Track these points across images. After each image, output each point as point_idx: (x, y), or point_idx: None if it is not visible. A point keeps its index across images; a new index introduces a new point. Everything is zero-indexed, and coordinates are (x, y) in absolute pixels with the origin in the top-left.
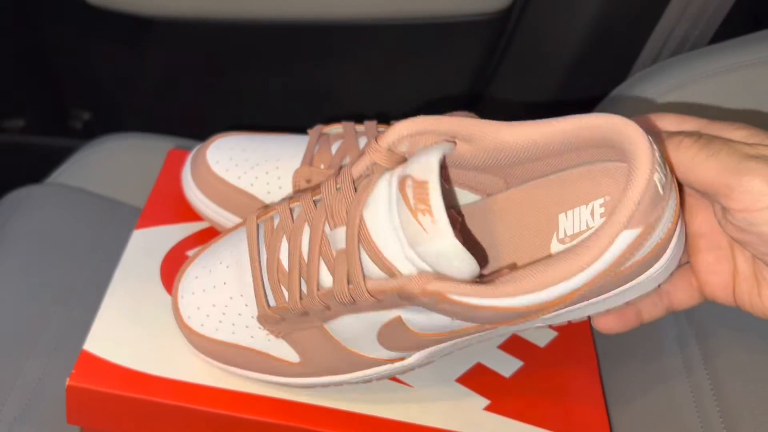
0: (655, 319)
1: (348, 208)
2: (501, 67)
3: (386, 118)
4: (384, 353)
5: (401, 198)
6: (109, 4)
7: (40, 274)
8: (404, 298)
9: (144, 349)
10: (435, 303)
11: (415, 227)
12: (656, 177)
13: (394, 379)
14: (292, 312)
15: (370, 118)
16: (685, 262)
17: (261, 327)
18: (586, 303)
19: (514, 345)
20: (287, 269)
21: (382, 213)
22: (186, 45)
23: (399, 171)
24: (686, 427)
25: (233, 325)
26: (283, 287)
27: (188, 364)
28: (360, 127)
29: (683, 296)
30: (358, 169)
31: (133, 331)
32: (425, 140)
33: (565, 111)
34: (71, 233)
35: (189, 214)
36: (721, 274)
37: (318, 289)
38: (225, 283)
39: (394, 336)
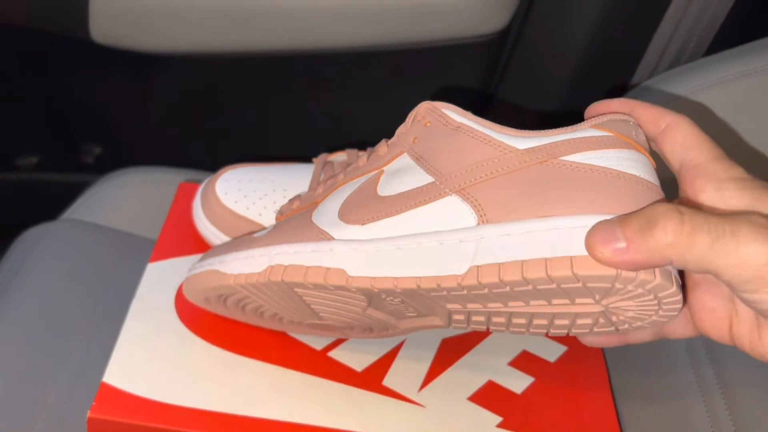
0: (642, 342)
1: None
2: (501, 87)
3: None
4: (329, 221)
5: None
6: (114, 41)
7: (59, 309)
8: (408, 122)
9: (162, 380)
10: (422, 125)
11: None
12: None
13: (406, 399)
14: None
15: (372, 144)
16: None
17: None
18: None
19: (525, 361)
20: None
21: None
22: (189, 78)
23: None
24: None
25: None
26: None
27: (206, 392)
28: (363, 153)
29: (676, 327)
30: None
31: (151, 362)
32: None
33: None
34: (88, 268)
35: (201, 245)
36: (718, 313)
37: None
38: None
39: (355, 201)
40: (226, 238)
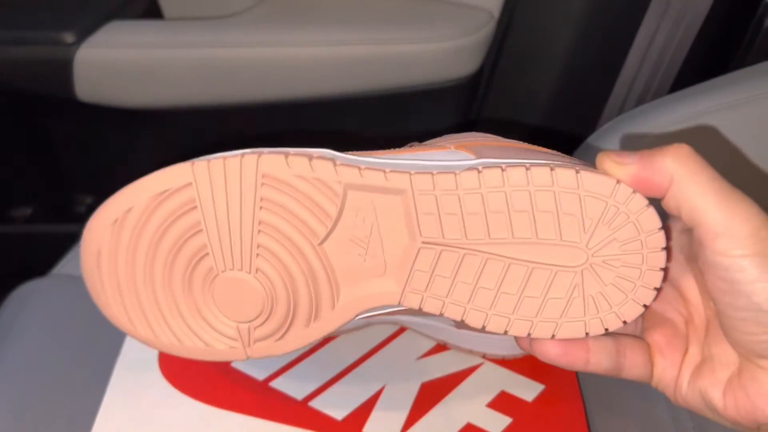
0: (599, 373)
1: None
2: (477, 126)
3: None
4: None
5: None
6: (99, 100)
7: (47, 367)
8: None
9: None
10: None
11: None
12: None
13: None
14: None
15: None
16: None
17: None
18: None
19: (503, 402)
20: None
21: None
22: (176, 128)
23: None
24: None
25: None
26: None
27: None
28: None
29: (637, 364)
30: None
31: (136, 422)
32: None
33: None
34: (77, 325)
35: None
36: (676, 352)
37: None
38: None
39: None
40: None
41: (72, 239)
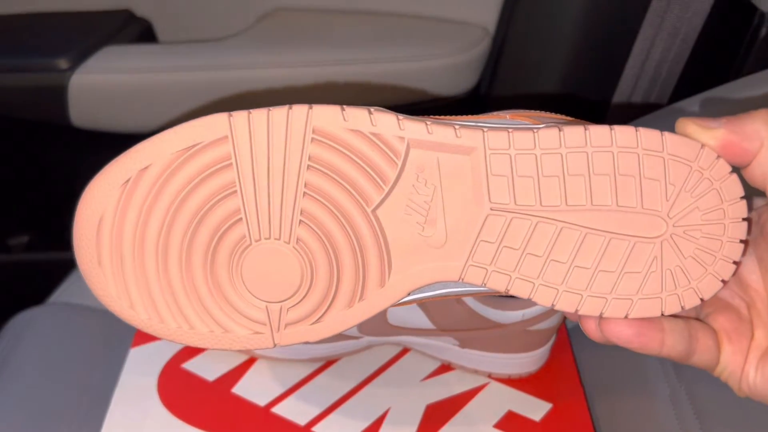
0: (672, 358)
1: None
2: None
3: None
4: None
5: None
6: (93, 125)
7: (46, 396)
8: None
9: None
10: None
11: None
12: None
13: None
14: None
15: None
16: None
17: None
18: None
19: (510, 422)
20: None
21: None
22: None
23: None
24: None
25: None
26: None
27: None
28: None
29: (708, 348)
30: None
31: None
32: None
33: None
34: (75, 353)
35: None
36: (743, 338)
37: None
38: None
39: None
40: None
41: (69, 266)
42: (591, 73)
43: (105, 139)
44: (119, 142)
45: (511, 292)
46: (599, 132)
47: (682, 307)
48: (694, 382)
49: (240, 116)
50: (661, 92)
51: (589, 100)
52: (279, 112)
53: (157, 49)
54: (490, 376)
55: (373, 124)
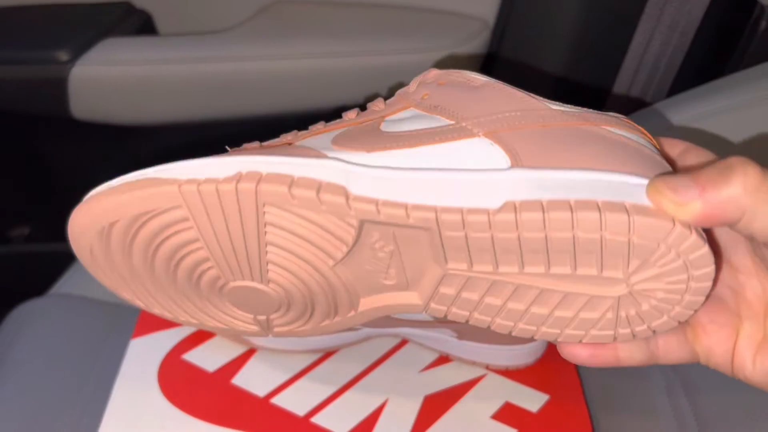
0: (635, 365)
1: None
2: None
3: None
4: (323, 147)
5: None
6: (94, 117)
7: (47, 387)
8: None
9: None
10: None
11: None
12: None
13: None
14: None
15: None
16: None
17: None
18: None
19: (508, 413)
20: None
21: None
22: (171, 143)
23: None
24: None
25: None
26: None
27: None
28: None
29: (671, 348)
30: None
31: None
32: None
33: None
34: (76, 344)
35: None
36: (725, 329)
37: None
38: None
39: (356, 133)
40: None
41: (70, 258)
42: (590, 65)
43: (106, 132)
44: (120, 134)
45: (471, 323)
46: (560, 216)
47: (634, 337)
48: (692, 377)
49: (190, 190)
50: (660, 85)
51: (588, 92)
52: (227, 188)
53: (157, 41)
54: (487, 367)
55: (321, 204)
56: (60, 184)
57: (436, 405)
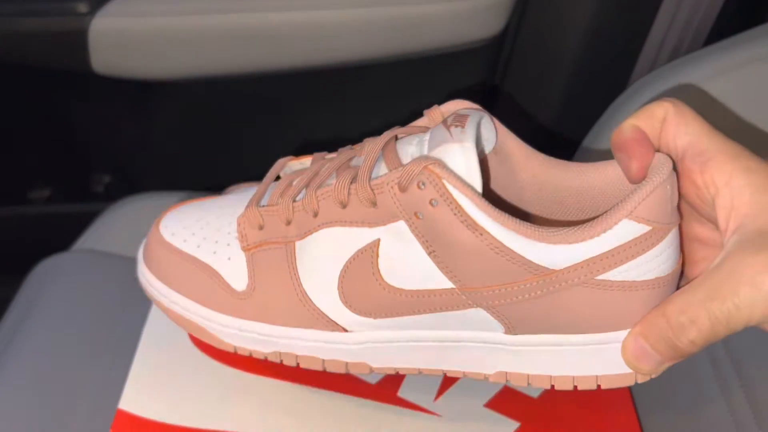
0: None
1: (382, 139)
2: (502, 89)
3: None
4: (332, 307)
5: (440, 125)
6: (115, 72)
7: (74, 340)
8: (402, 188)
9: (177, 403)
10: (426, 202)
11: (443, 135)
12: (669, 189)
13: (422, 409)
14: (278, 215)
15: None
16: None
17: (229, 244)
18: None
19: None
20: (293, 185)
21: (414, 140)
22: (191, 101)
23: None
24: None
25: (204, 239)
26: (280, 198)
27: (221, 413)
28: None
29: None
30: (403, 130)
31: (165, 385)
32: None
33: (567, 128)
34: (100, 297)
35: None
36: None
37: (317, 190)
38: (221, 206)
39: (357, 279)
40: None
41: (91, 218)
42: (623, 16)
43: (126, 88)
44: (140, 91)
45: None
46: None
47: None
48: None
49: None
50: (697, 35)
51: (621, 44)
52: None
53: None
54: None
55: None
56: (80, 147)
57: None
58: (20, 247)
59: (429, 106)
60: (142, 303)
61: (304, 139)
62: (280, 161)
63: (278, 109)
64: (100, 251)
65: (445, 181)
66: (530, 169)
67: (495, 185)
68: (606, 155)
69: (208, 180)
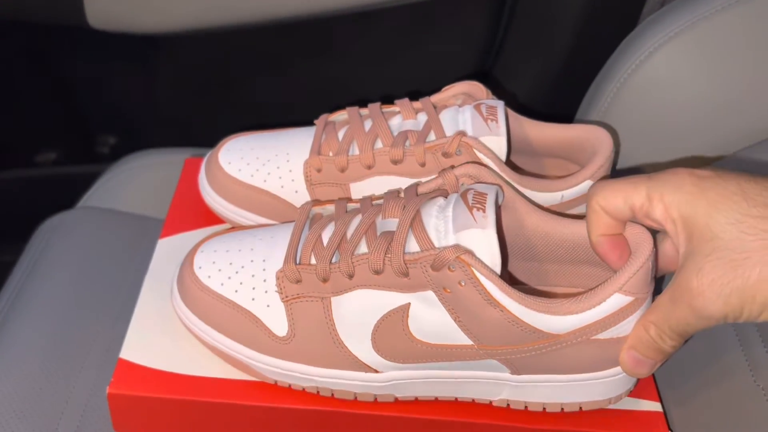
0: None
1: (406, 204)
2: (507, 41)
3: (391, 99)
4: (366, 353)
5: (460, 199)
6: (111, 25)
7: (80, 294)
8: (435, 268)
9: (177, 352)
10: (455, 282)
11: (467, 218)
12: (651, 264)
13: None
14: (315, 272)
15: (374, 101)
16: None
17: (266, 291)
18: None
19: None
20: (325, 243)
21: (435, 211)
22: (191, 55)
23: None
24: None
25: (240, 284)
26: (314, 255)
27: (222, 361)
28: (365, 111)
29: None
30: (423, 188)
31: (165, 335)
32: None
33: (573, 80)
34: (106, 253)
35: (210, 218)
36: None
37: (352, 255)
38: (252, 249)
39: (388, 333)
40: (233, 207)
41: (95, 178)
42: None
43: (125, 45)
44: (139, 47)
45: None
46: None
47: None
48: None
49: None
50: None
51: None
52: None
53: None
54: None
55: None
56: (84, 109)
57: None
58: (28, 210)
59: (431, 55)
60: (145, 257)
61: (306, 88)
62: (304, 206)
63: (277, 59)
64: (104, 208)
65: (473, 269)
66: (533, 222)
67: (507, 232)
68: (621, 90)
69: (209, 134)
